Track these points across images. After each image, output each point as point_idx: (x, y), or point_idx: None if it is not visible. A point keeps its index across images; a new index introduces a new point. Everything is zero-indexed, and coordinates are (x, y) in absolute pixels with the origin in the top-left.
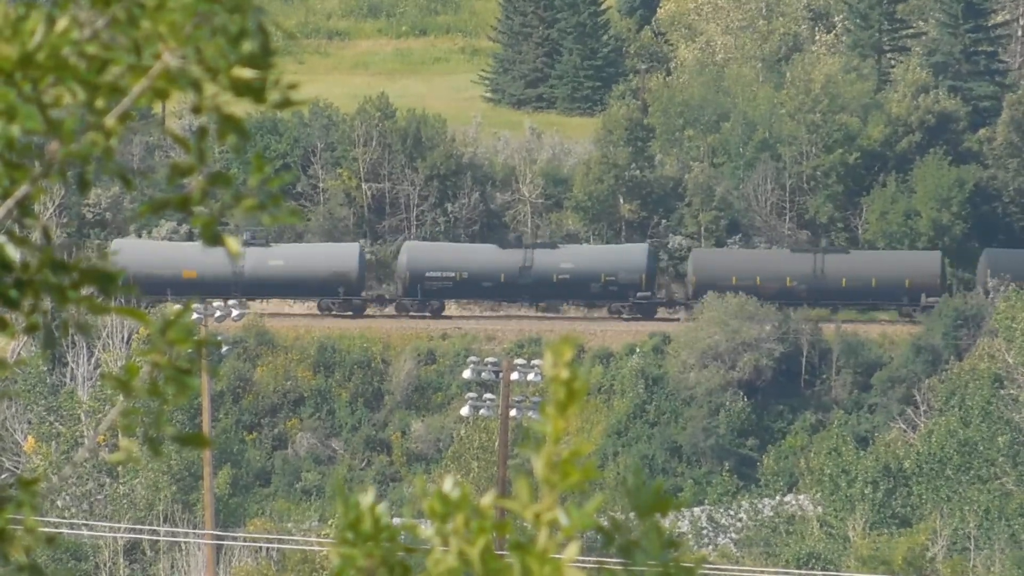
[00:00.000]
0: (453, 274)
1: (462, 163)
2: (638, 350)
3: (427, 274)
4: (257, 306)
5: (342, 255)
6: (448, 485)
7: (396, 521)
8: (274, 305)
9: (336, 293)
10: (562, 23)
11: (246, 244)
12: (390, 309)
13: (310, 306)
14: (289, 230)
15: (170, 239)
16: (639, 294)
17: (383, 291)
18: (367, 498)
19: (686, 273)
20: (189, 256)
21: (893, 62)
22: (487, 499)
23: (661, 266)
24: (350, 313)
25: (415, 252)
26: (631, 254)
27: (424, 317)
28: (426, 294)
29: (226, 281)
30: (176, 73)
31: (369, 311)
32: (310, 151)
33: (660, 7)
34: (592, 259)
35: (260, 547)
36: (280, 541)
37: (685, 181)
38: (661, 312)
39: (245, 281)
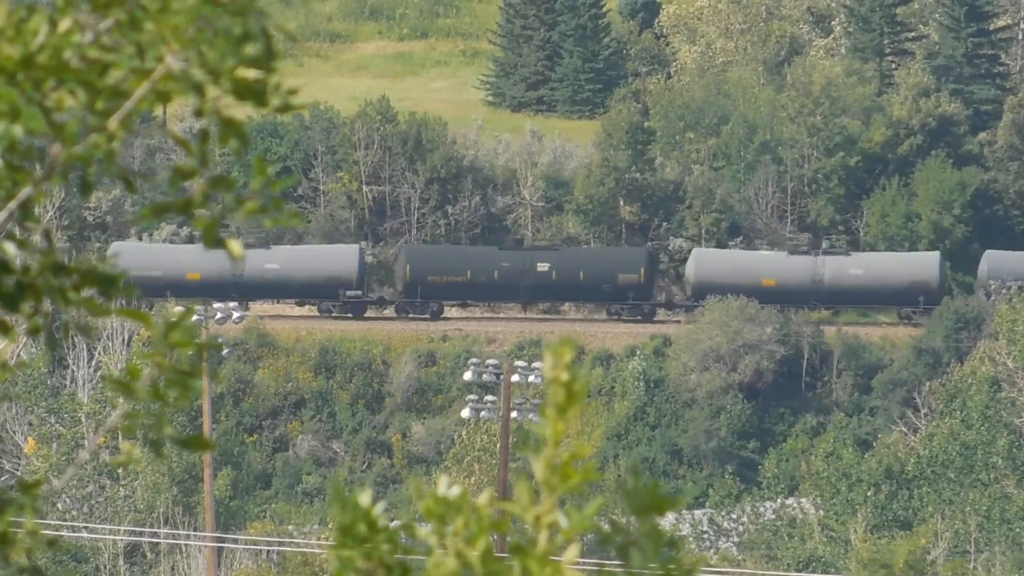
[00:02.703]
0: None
1: (463, 166)
2: (639, 352)
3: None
4: (257, 307)
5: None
6: (443, 486)
7: (395, 523)
8: (276, 307)
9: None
10: (563, 26)
11: (829, 253)
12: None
13: (311, 308)
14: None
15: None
16: None
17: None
18: (364, 499)
19: None
20: (768, 264)
21: (894, 65)
22: (484, 499)
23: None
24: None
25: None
26: None
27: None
28: None
29: (807, 292)
30: (178, 76)
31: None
32: (311, 154)
33: (661, 9)
34: None
35: (261, 549)
36: (281, 543)
37: (685, 184)
38: None
39: (824, 290)
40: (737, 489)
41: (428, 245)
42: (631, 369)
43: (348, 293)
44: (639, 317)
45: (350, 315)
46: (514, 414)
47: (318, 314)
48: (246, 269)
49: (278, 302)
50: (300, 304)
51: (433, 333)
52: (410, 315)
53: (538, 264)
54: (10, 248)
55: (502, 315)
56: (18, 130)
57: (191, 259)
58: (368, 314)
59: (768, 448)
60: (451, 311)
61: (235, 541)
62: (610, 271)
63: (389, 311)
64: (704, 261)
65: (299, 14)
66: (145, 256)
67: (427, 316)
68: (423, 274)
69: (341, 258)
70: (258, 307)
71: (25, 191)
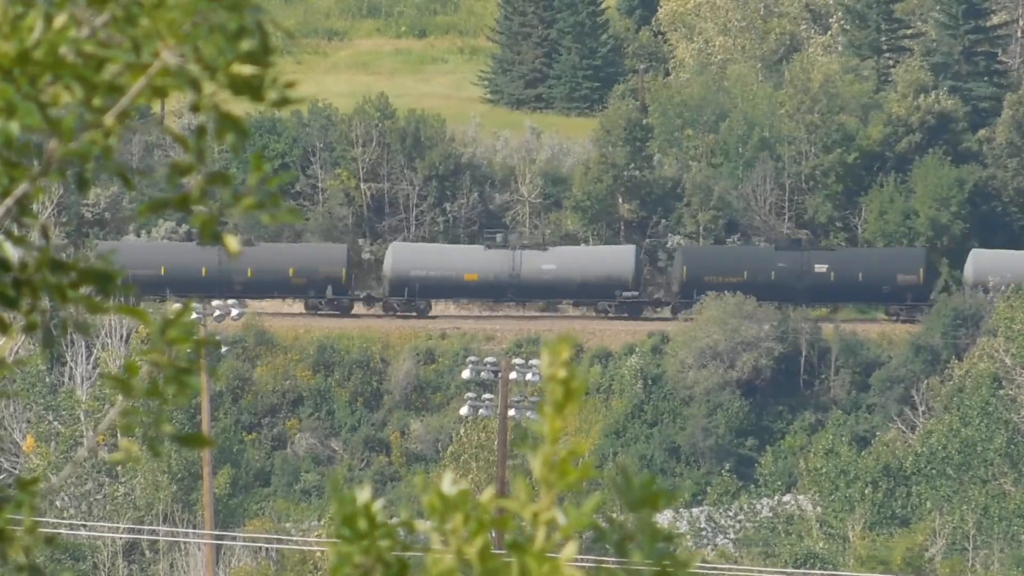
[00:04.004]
0: None
1: (461, 163)
2: (637, 350)
3: None
4: (256, 305)
5: None
6: (447, 483)
7: (393, 520)
8: (273, 305)
9: None
10: (561, 23)
11: None
12: None
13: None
14: None
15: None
16: None
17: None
18: (362, 494)
19: None
20: None
21: (892, 62)
22: (485, 497)
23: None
24: None
25: None
26: None
27: None
28: None
29: None
30: (175, 71)
31: None
32: (309, 151)
33: (659, 6)
34: None
35: (259, 547)
36: (279, 541)
37: (684, 181)
38: None
39: None
40: (735, 486)
41: (706, 244)
42: (629, 366)
43: (624, 294)
44: (916, 318)
45: (626, 315)
46: (512, 412)
47: (595, 314)
48: (523, 270)
49: (552, 303)
50: (576, 305)
51: (432, 331)
52: (683, 316)
53: (816, 265)
54: (7, 245)
55: (500, 313)
56: (14, 126)
57: (470, 259)
58: (646, 314)
59: (766, 445)
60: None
61: (234, 539)
62: (889, 272)
63: (665, 312)
64: (982, 261)
65: (297, 11)
66: (424, 256)
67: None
68: (699, 274)
69: (617, 258)
70: (256, 304)
71: (22, 187)
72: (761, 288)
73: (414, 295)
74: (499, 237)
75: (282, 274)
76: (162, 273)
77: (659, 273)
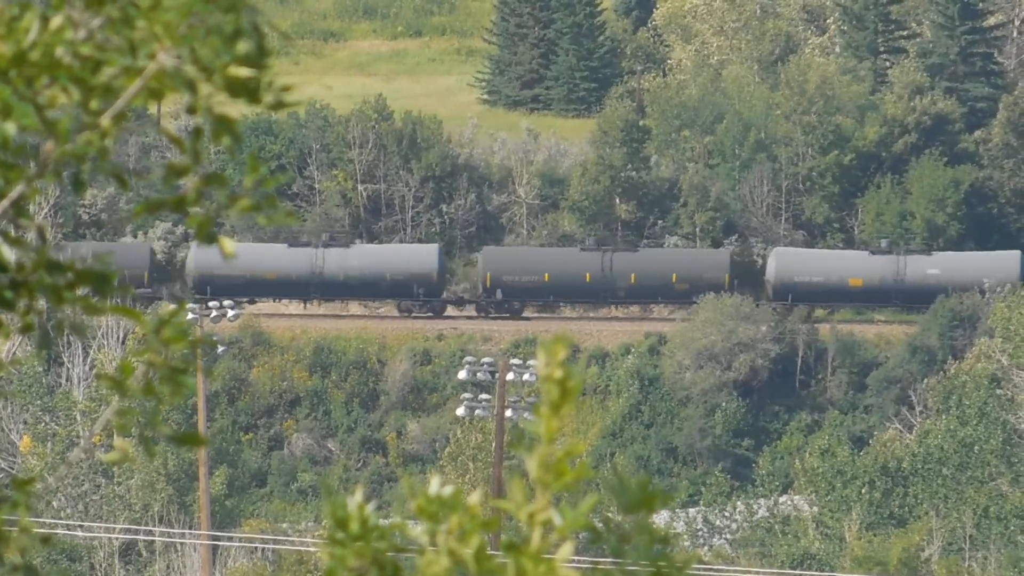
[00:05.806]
0: None
1: (458, 164)
2: (634, 350)
3: None
4: (251, 306)
5: None
6: (435, 485)
7: (386, 522)
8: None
9: None
10: (558, 24)
11: None
12: None
13: (313, 305)
14: None
15: None
16: None
17: None
18: (355, 497)
19: None
20: None
21: (888, 63)
22: (476, 497)
23: None
24: None
25: None
26: None
27: None
28: None
29: None
30: (171, 73)
31: None
32: (306, 152)
33: (656, 8)
34: None
35: (256, 548)
36: (276, 542)
37: (681, 182)
38: None
39: None
40: (730, 487)
41: None
42: (626, 367)
43: None
44: None
45: None
46: (509, 412)
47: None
48: (908, 275)
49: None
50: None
51: (428, 332)
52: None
53: None
54: (4, 247)
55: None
56: (11, 127)
57: (855, 265)
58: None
59: (763, 446)
60: None
61: (230, 539)
62: None
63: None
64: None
65: (294, 12)
66: (809, 261)
67: None
68: None
69: (1001, 263)
70: (256, 304)
71: (18, 188)
72: None
73: (798, 300)
74: (884, 242)
75: (665, 279)
76: (546, 280)
77: None
